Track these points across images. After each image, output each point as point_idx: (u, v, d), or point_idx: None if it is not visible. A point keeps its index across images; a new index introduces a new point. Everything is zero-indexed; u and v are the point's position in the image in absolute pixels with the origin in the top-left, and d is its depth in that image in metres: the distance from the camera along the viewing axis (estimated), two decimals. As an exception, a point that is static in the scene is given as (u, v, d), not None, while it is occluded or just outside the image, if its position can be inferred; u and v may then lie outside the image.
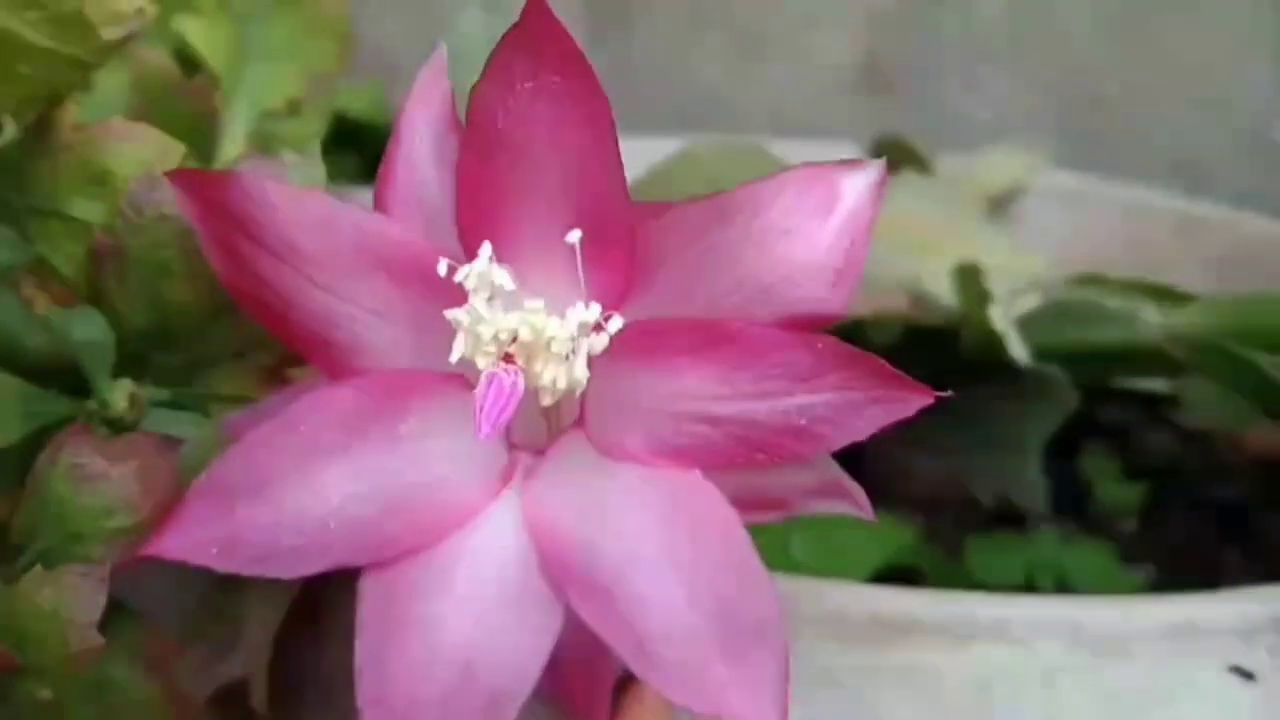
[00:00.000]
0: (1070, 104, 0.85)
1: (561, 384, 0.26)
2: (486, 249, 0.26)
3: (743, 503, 0.26)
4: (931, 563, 0.52)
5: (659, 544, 0.26)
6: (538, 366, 0.26)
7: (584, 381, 0.26)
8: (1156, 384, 0.57)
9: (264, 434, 0.26)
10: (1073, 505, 0.55)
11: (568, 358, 0.26)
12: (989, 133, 0.75)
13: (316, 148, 0.29)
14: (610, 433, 0.27)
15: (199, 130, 0.44)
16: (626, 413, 0.27)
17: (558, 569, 0.26)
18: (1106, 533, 0.54)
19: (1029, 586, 0.51)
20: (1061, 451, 0.53)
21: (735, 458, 0.26)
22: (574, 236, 0.26)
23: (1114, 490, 0.56)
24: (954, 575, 0.51)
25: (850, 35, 0.86)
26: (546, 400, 0.27)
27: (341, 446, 0.26)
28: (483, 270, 0.26)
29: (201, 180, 0.27)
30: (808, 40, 0.87)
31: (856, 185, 0.26)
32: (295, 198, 0.27)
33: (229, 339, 0.30)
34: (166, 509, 0.26)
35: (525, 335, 0.26)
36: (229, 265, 0.27)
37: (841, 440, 0.26)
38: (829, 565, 0.48)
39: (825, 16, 0.86)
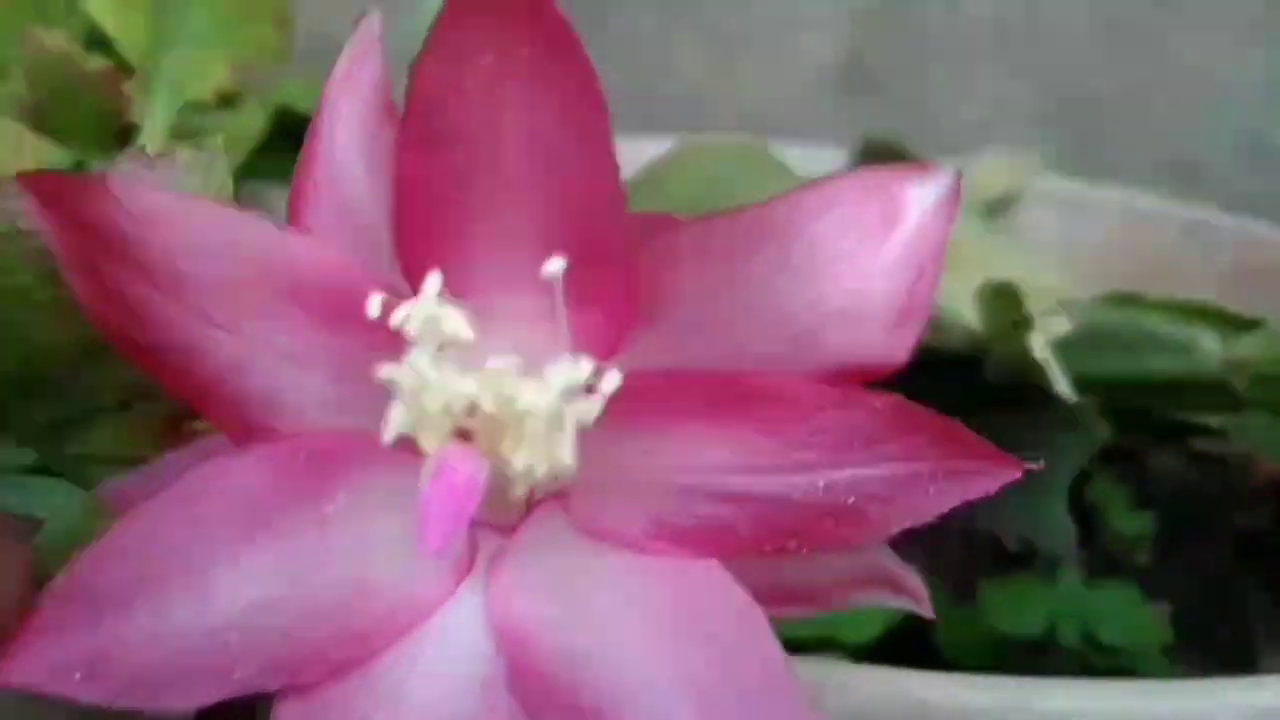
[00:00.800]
0: (1062, 104, 0.84)
1: (540, 471, 0.21)
2: (434, 281, 0.21)
3: (767, 597, 0.22)
4: (939, 608, 0.47)
5: (662, 654, 0.22)
6: (506, 448, 0.21)
7: (570, 466, 0.21)
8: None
9: (146, 517, 0.22)
10: (1081, 534, 0.51)
11: (548, 433, 0.20)
12: (978, 134, 0.74)
13: (219, 143, 0.23)
14: (600, 510, 0.23)
15: (107, 128, 0.38)
16: (621, 485, 0.23)
17: (532, 686, 0.22)
18: (1121, 566, 0.50)
19: (1050, 636, 0.47)
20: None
21: (762, 544, 0.22)
22: (555, 266, 0.21)
23: (1126, 521, 0.53)
24: (966, 624, 0.47)
25: (833, 32, 0.85)
26: (519, 490, 0.21)
27: (247, 534, 0.22)
28: (430, 312, 0.21)
29: (60, 186, 0.21)
30: (789, 38, 0.85)
31: (924, 199, 0.22)
32: (181, 210, 0.21)
33: (110, 385, 0.26)
34: (17, 618, 0.21)
35: (488, 406, 0.21)
36: (97, 297, 0.22)
37: (899, 523, 0.22)
38: (839, 619, 0.43)
39: (807, 13, 0.85)
